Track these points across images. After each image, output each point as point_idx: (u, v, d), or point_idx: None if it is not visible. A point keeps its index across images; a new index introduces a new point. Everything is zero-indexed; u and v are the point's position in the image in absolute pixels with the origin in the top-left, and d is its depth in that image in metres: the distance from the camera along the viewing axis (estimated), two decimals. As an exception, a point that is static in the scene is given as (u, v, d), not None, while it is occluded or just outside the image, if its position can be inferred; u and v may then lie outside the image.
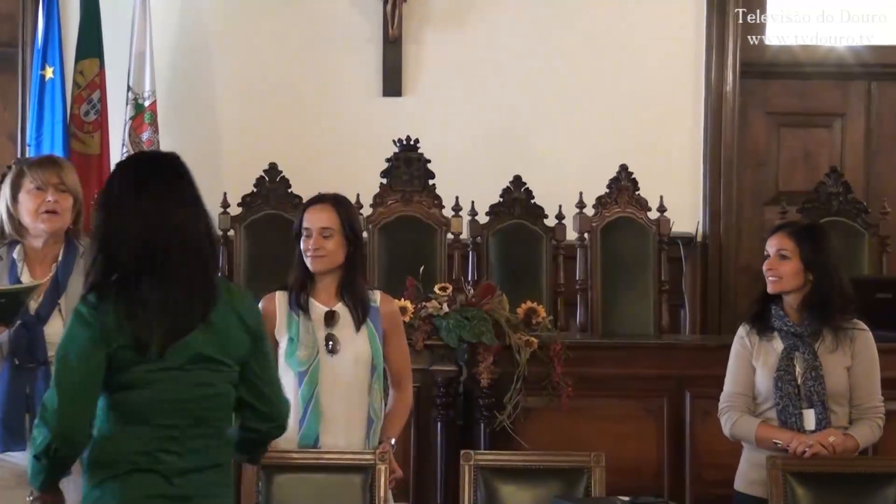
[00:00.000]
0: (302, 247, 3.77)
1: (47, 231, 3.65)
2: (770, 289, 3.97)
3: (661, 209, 6.26)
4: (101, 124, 6.61)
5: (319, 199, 3.84)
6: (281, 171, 6.16)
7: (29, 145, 6.55)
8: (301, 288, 3.79)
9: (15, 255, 3.67)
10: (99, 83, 6.59)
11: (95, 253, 2.82)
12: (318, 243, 3.74)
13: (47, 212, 3.63)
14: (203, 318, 2.79)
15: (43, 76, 6.54)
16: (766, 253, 4.01)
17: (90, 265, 2.84)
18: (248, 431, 2.96)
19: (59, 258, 3.66)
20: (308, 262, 3.77)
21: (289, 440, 3.72)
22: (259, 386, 2.92)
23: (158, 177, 2.87)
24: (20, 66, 6.83)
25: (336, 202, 3.82)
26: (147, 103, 6.61)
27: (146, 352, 2.75)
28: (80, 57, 6.59)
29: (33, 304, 3.56)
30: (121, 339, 2.74)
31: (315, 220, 3.77)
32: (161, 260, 2.77)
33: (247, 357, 2.89)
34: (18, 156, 6.59)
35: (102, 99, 6.60)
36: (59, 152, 6.44)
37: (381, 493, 3.72)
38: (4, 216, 3.70)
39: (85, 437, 2.76)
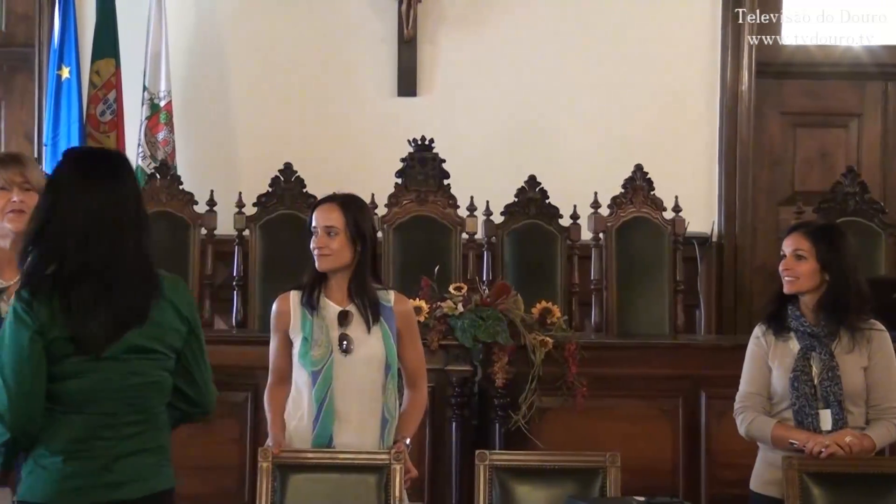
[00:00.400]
0: (310, 245, 3.79)
1: (14, 231, 3.52)
2: (786, 289, 3.96)
3: (677, 209, 6.24)
4: (117, 124, 6.64)
5: (328, 199, 3.84)
6: (296, 171, 6.16)
7: (45, 145, 6.57)
8: (314, 287, 3.79)
9: None
10: (115, 83, 6.62)
11: (29, 246, 2.85)
12: (322, 242, 3.75)
13: (13, 211, 3.52)
14: (143, 317, 2.83)
15: (59, 76, 6.57)
16: (782, 253, 3.99)
17: (21, 258, 2.87)
18: (172, 409, 2.99)
19: None
20: (315, 260, 3.78)
21: (303, 439, 3.74)
22: (192, 372, 2.98)
23: (101, 173, 2.88)
24: (37, 65, 6.86)
25: (343, 202, 3.81)
26: (162, 103, 6.64)
27: (85, 350, 2.79)
28: (96, 57, 6.62)
29: (4, 306, 3.52)
30: (56, 332, 2.78)
31: (320, 218, 3.78)
32: (100, 259, 2.80)
33: (182, 345, 2.94)
34: (36, 155, 6.61)
35: (118, 99, 6.63)
36: (75, 152, 6.48)
37: (397, 493, 3.72)
38: None
39: (39, 428, 2.81)
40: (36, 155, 6.62)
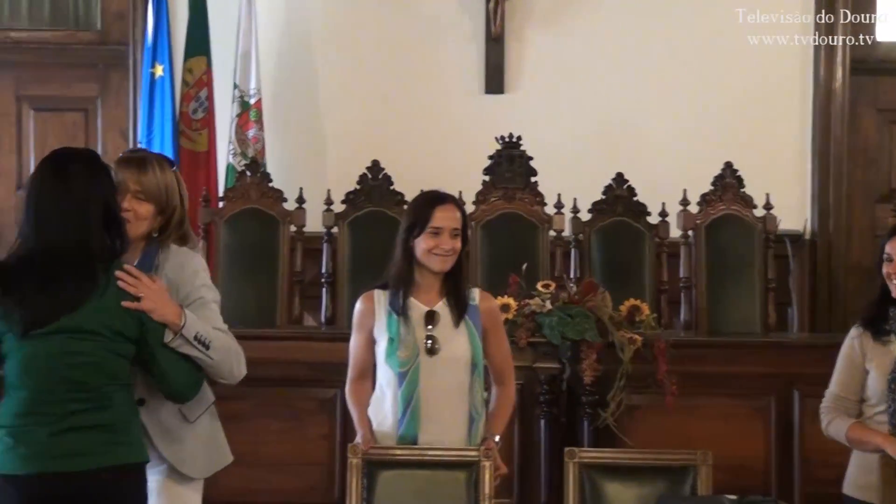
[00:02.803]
0: (425, 245, 3.73)
1: None
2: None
3: (768, 206, 6.17)
4: (209, 122, 6.72)
5: (447, 199, 3.80)
6: (383, 169, 6.18)
7: (140, 142, 6.66)
8: (406, 286, 3.77)
9: None
10: (206, 81, 6.70)
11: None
12: (450, 243, 3.73)
13: None
14: (72, 309, 3.00)
15: (153, 74, 6.66)
16: (886, 256, 3.88)
17: None
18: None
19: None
20: (433, 261, 3.73)
21: (387, 439, 3.75)
22: (150, 366, 3.16)
23: (48, 176, 3.09)
24: (131, 63, 6.95)
25: (459, 202, 3.86)
26: (252, 101, 6.70)
27: (14, 330, 3.02)
28: (188, 55, 6.70)
29: None
30: None
31: (448, 219, 3.73)
32: (42, 249, 3.03)
33: (136, 337, 3.10)
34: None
35: (209, 97, 6.70)
36: (168, 149, 6.55)
37: (486, 490, 3.71)
38: None
39: None
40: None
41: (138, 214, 3.40)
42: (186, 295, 3.33)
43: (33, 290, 3.00)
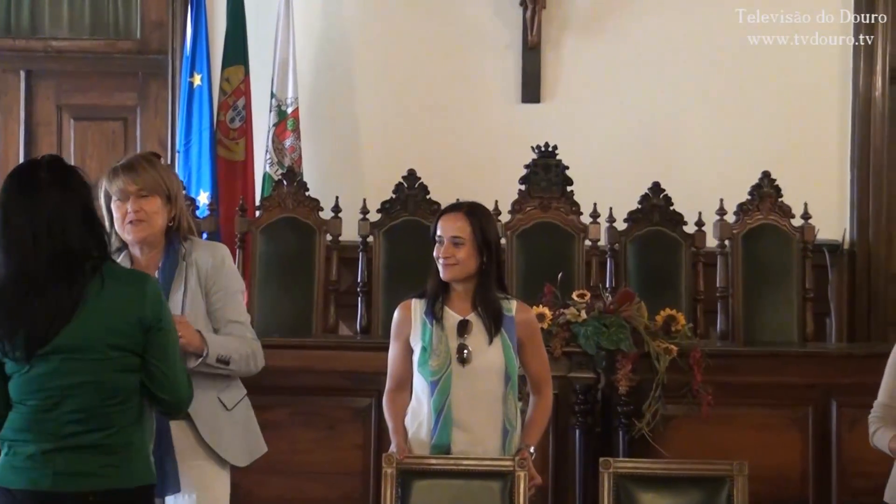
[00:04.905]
0: (434, 254, 3.79)
1: (136, 241, 3.54)
2: None
3: (806, 216, 6.13)
4: (246, 131, 6.73)
5: (454, 208, 3.84)
6: (419, 178, 6.20)
7: (178, 151, 6.69)
8: (436, 296, 3.79)
9: (120, 262, 3.47)
10: (244, 90, 6.72)
11: None
12: (448, 251, 3.75)
13: (131, 222, 3.51)
14: (63, 324, 2.93)
15: (191, 83, 6.68)
16: None
17: None
18: (150, 403, 3.11)
19: (160, 265, 3.55)
20: (439, 269, 3.78)
21: (421, 447, 3.76)
22: (154, 373, 3.04)
23: (15, 191, 3.00)
24: (170, 73, 6.99)
25: (469, 211, 3.81)
26: (290, 110, 6.71)
27: (12, 353, 2.95)
28: (226, 64, 6.72)
29: None
30: None
31: (447, 228, 3.77)
32: (17, 275, 2.94)
33: (141, 346, 3.01)
34: (169, 161, 6.73)
35: (247, 106, 6.72)
36: (206, 159, 6.59)
37: (521, 500, 3.71)
38: (108, 226, 3.53)
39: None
40: (169, 161, 6.75)
41: (148, 211, 3.50)
42: (214, 283, 3.51)
43: (23, 309, 2.93)
